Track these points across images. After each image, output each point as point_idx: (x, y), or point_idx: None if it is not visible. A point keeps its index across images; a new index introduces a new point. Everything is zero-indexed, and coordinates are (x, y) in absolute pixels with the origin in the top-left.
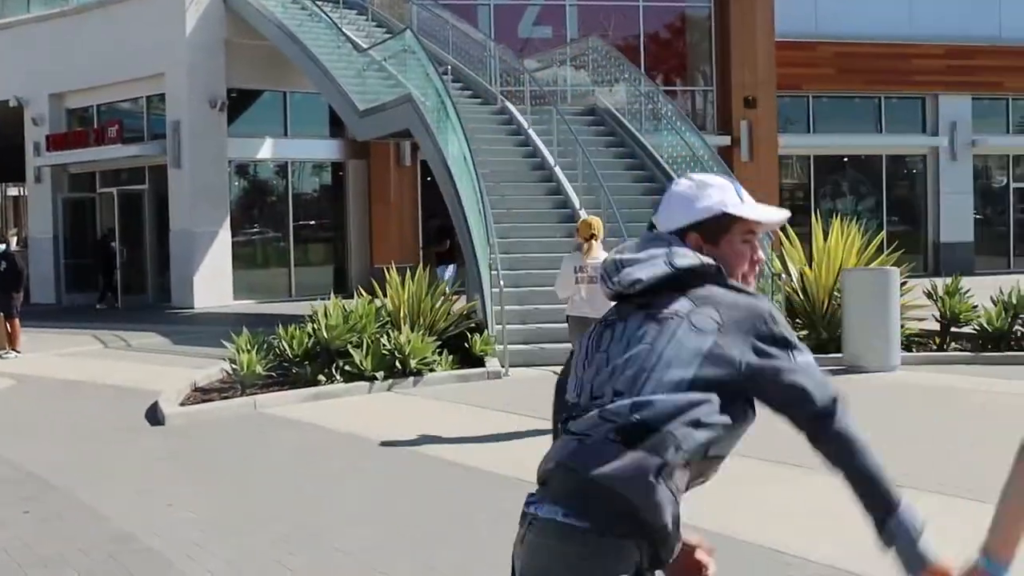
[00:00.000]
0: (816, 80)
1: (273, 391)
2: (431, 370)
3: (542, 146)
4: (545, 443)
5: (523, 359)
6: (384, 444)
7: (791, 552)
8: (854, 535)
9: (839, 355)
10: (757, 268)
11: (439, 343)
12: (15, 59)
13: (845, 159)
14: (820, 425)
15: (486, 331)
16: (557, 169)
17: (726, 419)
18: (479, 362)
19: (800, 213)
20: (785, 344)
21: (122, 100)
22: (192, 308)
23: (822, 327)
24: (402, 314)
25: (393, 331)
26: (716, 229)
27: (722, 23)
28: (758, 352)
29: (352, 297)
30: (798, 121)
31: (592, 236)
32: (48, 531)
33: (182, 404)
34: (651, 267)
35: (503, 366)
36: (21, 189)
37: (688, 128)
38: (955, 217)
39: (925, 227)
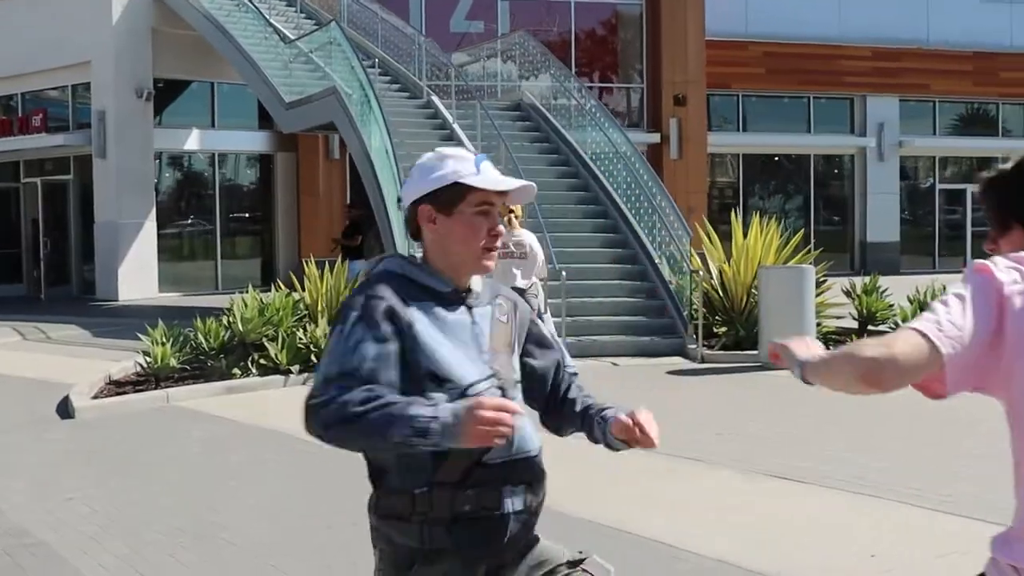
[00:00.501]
0: (746, 79)
1: (187, 384)
2: None
3: (466, 140)
4: None
5: None
6: (293, 438)
7: (686, 547)
8: (749, 531)
9: (753, 352)
10: (498, 241)
11: None
12: None
13: (776, 158)
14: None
15: None
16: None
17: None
18: None
19: (729, 211)
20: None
21: (48, 88)
22: (116, 300)
23: (740, 324)
24: (319, 307)
25: (310, 325)
26: (450, 199)
27: (653, 21)
28: None
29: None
30: (728, 120)
31: (511, 212)
32: None
33: (94, 397)
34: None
35: None
36: None
37: (611, 124)
38: (881, 217)
39: (852, 226)
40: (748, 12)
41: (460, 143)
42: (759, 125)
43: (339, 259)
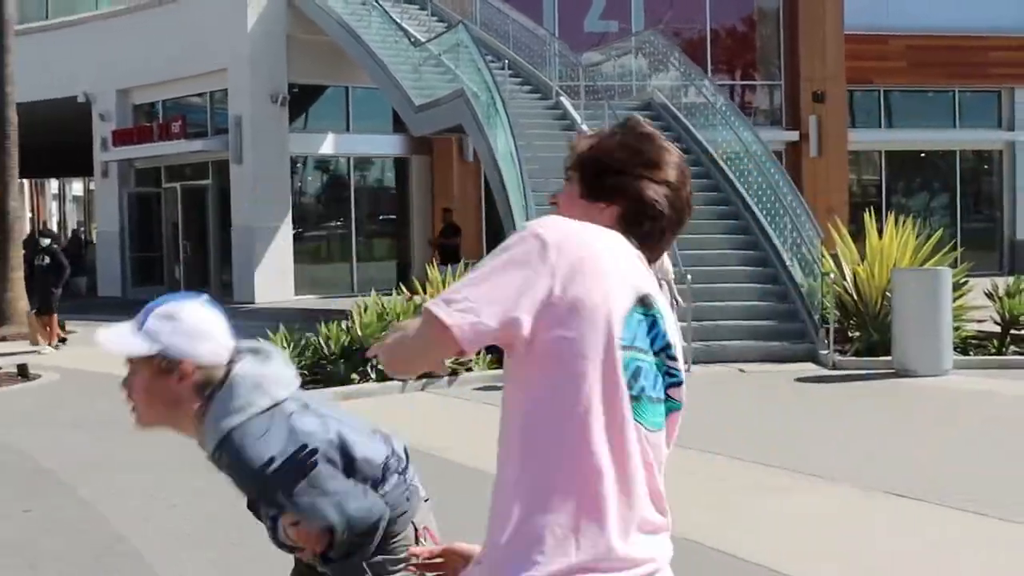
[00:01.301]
0: (887, 74)
1: (306, 390)
2: (467, 369)
3: None
4: None
5: None
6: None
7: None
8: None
9: (888, 358)
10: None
11: None
12: (84, 55)
13: (920, 155)
14: None
15: None
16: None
17: None
18: None
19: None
20: None
21: (187, 95)
22: (253, 303)
23: (873, 328)
24: None
25: None
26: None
27: (791, 16)
28: None
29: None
30: (870, 116)
31: None
32: (43, 530)
33: None
34: None
35: None
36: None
37: (742, 123)
38: None
39: (1001, 224)
40: (889, 4)
41: None
42: (902, 121)
43: (436, 261)
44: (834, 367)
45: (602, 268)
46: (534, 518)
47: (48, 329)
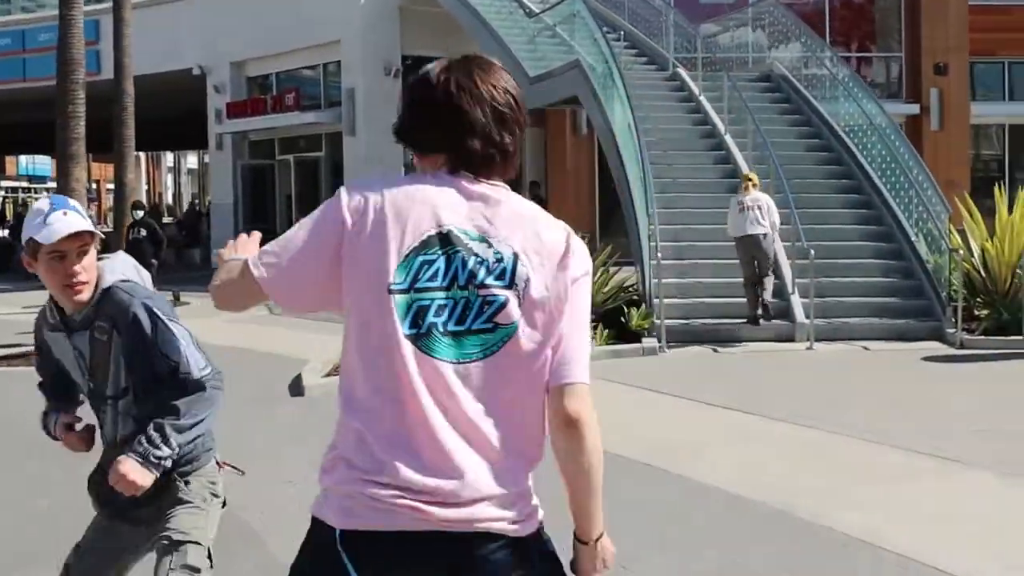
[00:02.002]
0: (1012, 45)
1: None
2: None
3: (713, 113)
4: (682, 427)
5: (683, 336)
6: None
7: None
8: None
9: (1019, 338)
10: (73, 281)
11: (594, 317)
12: (199, 28)
13: None
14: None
15: (644, 305)
16: (727, 137)
17: None
18: (635, 337)
19: (992, 185)
20: None
21: (300, 67)
22: None
23: (1003, 307)
24: None
25: None
26: (32, 251)
27: None
28: None
29: None
30: (992, 89)
31: (748, 180)
32: None
33: (327, 375)
34: None
35: (660, 342)
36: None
37: (866, 95)
38: None
39: None
40: None
41: (707, 116)
42: None
43: (594, 234)
44: (962, 346)
45: (386, 219)
46: (330, 451)
47: None
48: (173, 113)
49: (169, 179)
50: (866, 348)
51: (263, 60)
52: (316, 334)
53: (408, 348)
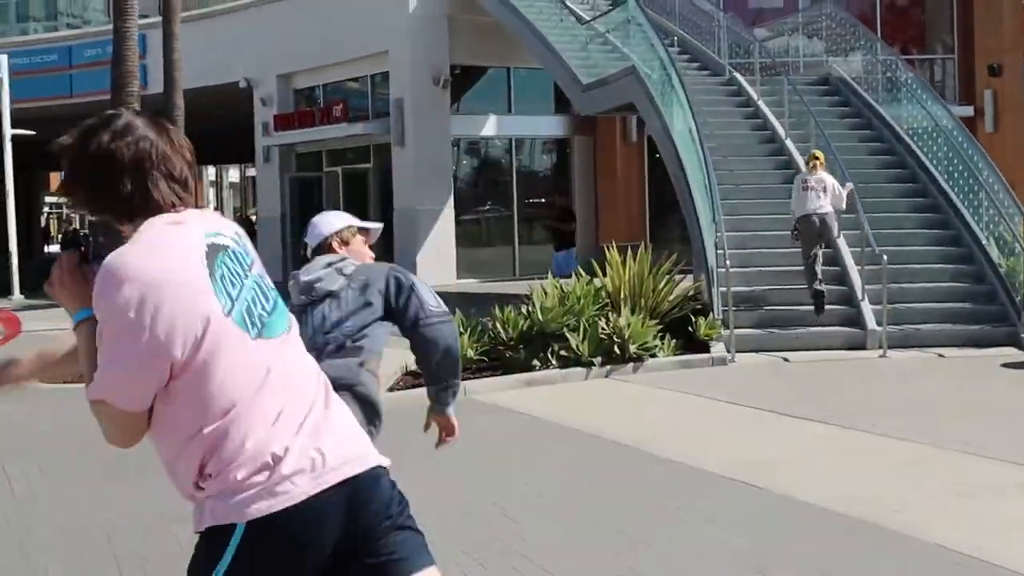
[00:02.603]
0: None
1: (485, 376)
2: (652, 355)
3: (772, 118)
4: (762, 439)
5: (751, 344)
6: (598, 436)
7: None
8: None
9: None
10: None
11: (660, 327)
12: (245, 41)
13: None
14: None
15: (711, 314)
16: (788, 142)
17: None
18: (703, 347)
19: None
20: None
21: (347, 79)
22: None
23: None
24: (622, 295)
25: (612, 314)
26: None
27: None
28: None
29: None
30: None
31: (816, 159)
32: None
33: (391, 389)
34: (333, 280)
35: (729, 351)
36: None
37: (929, 96)
38: None
39: None
40: None
41: (766, 121)
42: None
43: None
44: None
45: (174, 284)
46: None
47: None
48: (218, 126)
49: (211, 193)
50: (941, 355)
51: (310, 72)
52: None
53: (256, 345)
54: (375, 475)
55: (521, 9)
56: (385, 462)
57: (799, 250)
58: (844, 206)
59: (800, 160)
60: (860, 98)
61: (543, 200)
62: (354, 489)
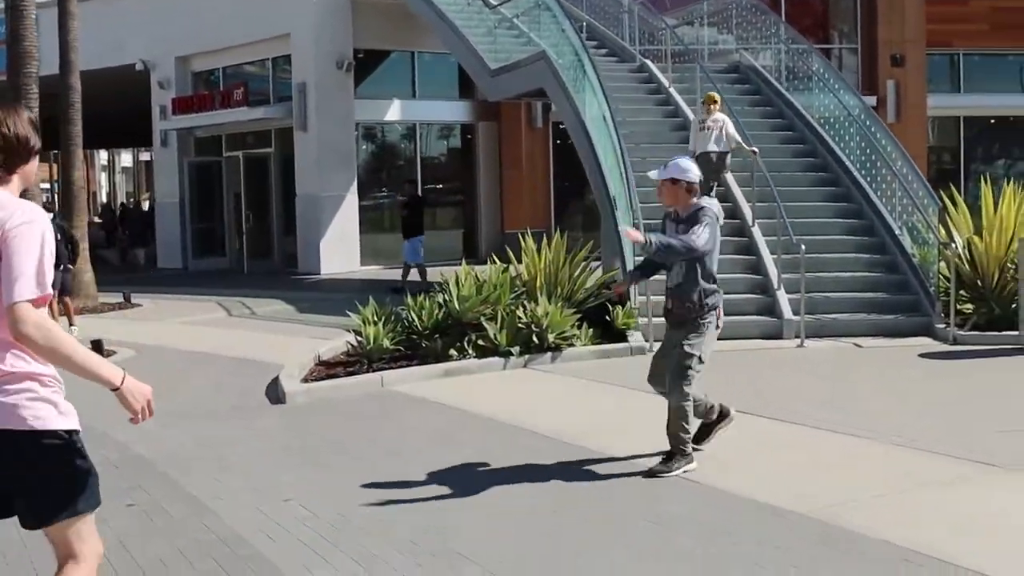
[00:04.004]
0: (968, 37)
1: (401, 366)
2: (570, 345)
3: (684, 105)
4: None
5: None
6: (523, 431)
7: None
8: None
9: (1015, 333)
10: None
11: (578, 316)
12: (142, 22)
13: (992, 120)
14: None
15: (628, 303)
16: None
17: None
18: (621, 336)
19: (948, 177)
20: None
21: (248, 62)
22: (318, 274)
23: (993, 301)
24: (538, 284)
25: (529, 303)
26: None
27: None
28: None
29: (482, 263)
30: (948, 81)
31: (713, 101)
32: (152, 529)
33: (305, 380)
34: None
35: (647, 341)
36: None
37: (841, 86)
38: None
39: None
40: None
41: (677, 108)
42: (982, 86)
43: (555, 230)
44: (955, 342)
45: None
46: None
47: (66, 310)
48: (113, 110)
49: (103, 177)
50: (858, 345)
51: (209, 55)
52: (277, 335)
53: None
54: None
55: None
56: None
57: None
58: (734, 145)
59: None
60: (771, 86)
61: (448, 186)
62: None
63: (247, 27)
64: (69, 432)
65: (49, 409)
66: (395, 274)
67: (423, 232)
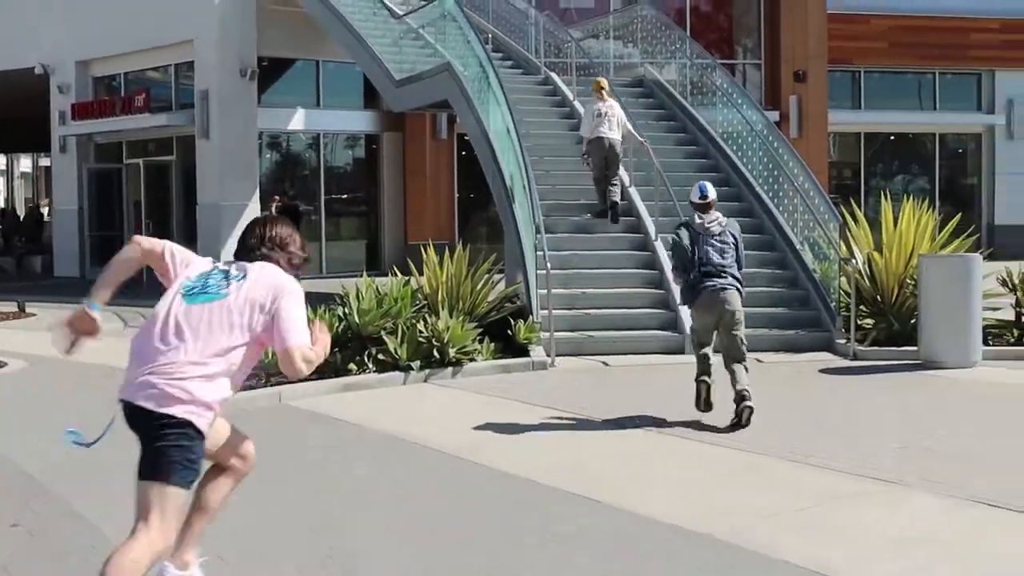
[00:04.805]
0: (868, 54)
1: (300, 380)
2: (471, 359)
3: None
4: (586, 448)
5: (570, 348)
6: (421, 447)
7: None
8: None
9: (914, 348)
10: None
11: (480, 330)
12: (42, 25)
13: (900, 136)
14: None
15: (531, 317)
16: (620, 170)
17: None
18: (523, 351)
19: (849, 193)
20: None
21: (150, 68)
22: None
23: (893, 317)
24: (440, 297)
25: (430, 316)
26: None
27: None
28: None
29: (385, 275)
30: (849, 97)
31: (600, 88)
32: (38, 548)
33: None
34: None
35: (549, 355)
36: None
37: (747, 102)
38: (1011, 198)
39: (979, 208)
40: None
41: (581, 121)
42: (882, 102)
43: (458, 242)
44: (855, 357)
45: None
46: None
47: None
48: (12, 114)
49: (1, 183)
50: (759, 360)
51: (111, 60)
52: None
53: (180, 299)
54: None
55: (332, 1)
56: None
57: (619, 252)
58: (627, 134)
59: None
60: (675, 101)
61: (351, 197)
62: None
63: (150, 32)
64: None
65: None
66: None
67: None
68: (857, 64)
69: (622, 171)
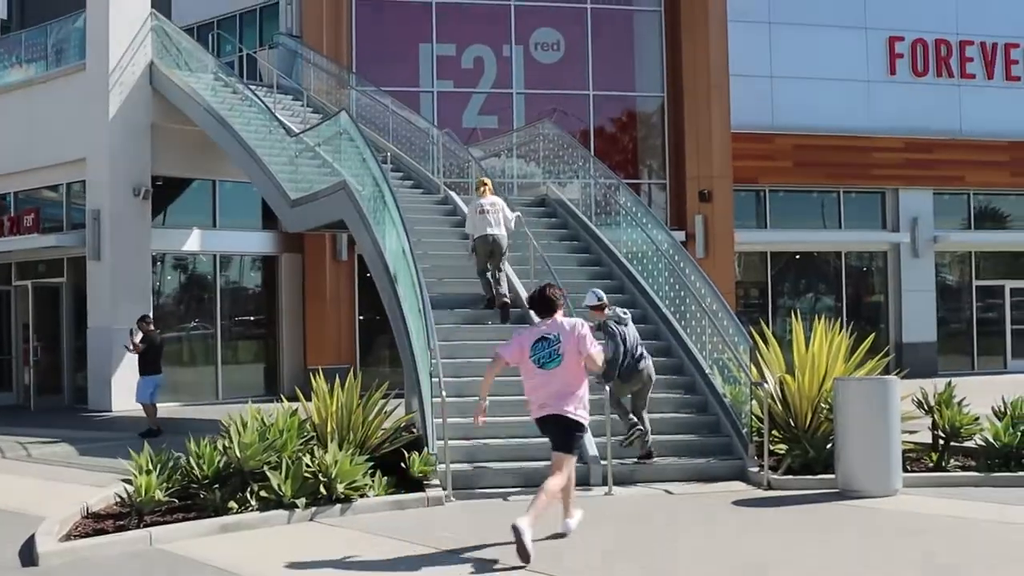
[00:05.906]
0: (773, 173)
1: (177, 520)
2: (362, 495)
3: None
4: None
5: (468, 481)
6: None
7: None
8: None
9: (830, 476)
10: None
11: (371, 463)
12: None
13: (806, 255)
14: None
15: (426, 448)
16: (505, 265)
17: None
18: (418, 485)
19: (757, 312)
20: None
21: (41, 187)
22: (110, 411)
23: (807, 443)
24: (329, 428)
25: (318, 449)
26: None
27: (675, 115)
28: None
29: (289, 399)
30: (755, 216)
31: (484, 184)
32: None
33: (65, 537)
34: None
35: (445, 490)
36: None
37: (650, 220)
38: (917, 316)
39: (886, 326)
40: (775, 104)
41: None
42: (787, 221)
43: (355, 367)
44: (769, 487)
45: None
46: None
47: None
48: None
49: None
50: (669, 492)
51: (0, 178)
52: (49, 481)
53: (536, 366)
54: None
55: (228, 119)
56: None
57: (519, 379)
58: (513, 227)
59: (519, 285)
60: (578, 220)
61: (249, 319)
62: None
63: (40, 151)
64: None
65: None
66: (194, 411)
67: (160, 371)
68: (762, 183)
69: (507, 267)
